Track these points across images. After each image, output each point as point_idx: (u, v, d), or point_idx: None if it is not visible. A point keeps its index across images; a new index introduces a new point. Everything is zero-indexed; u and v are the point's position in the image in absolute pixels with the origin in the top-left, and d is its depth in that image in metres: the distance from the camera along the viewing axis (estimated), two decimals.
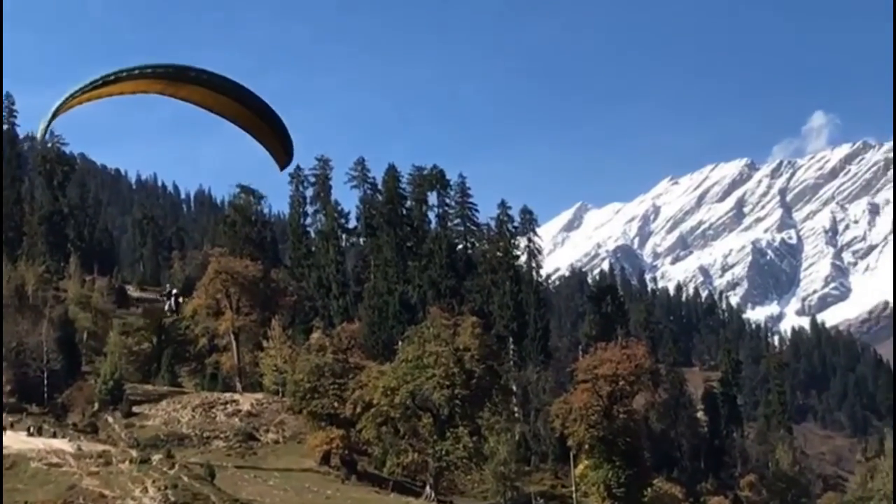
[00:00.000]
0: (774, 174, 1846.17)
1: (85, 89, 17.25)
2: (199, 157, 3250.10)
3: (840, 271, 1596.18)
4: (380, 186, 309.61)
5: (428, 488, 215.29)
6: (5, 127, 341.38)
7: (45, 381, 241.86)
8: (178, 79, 17.19)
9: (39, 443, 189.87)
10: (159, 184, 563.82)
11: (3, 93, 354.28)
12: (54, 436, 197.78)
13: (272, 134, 17.60)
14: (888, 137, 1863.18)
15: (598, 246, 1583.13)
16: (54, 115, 17.47)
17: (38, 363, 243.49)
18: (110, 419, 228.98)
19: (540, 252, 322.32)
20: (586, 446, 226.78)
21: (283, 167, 20.00)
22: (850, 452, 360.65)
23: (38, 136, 32.21)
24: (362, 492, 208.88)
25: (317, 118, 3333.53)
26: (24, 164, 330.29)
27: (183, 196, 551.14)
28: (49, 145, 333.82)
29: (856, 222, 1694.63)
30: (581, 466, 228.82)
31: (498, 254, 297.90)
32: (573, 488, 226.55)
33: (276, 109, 17.49)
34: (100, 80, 17.75)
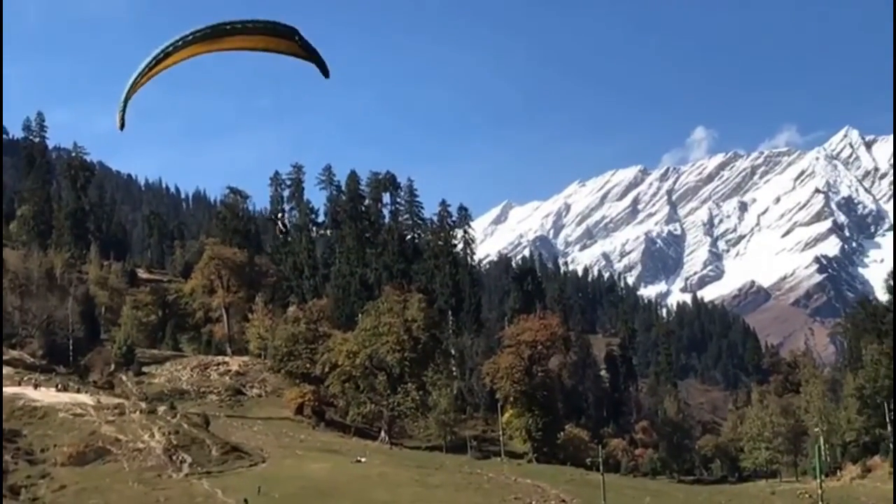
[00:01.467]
0: (663, 178, 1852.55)
1: (143, 72, 16.93)
2: (196, 163, 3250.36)
3: (715, 257, 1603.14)
4: (343, 188, 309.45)
5: (383, 433, 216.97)
6: (37, 140, 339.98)
7: (71, 347, 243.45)
8: (217, 35, 16.97)
9: (66, 397, 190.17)
10: (163, 186, 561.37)
11: (35, 112, 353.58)
12: (78, 391, 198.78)
13: (306, 54, 17.41)
14: (754, 148, 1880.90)
15: (521, 236, 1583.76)
16: (125, 104, 16.81)
17: (64, 332, 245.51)
18: (124, 377, 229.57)
19: (473, 241, 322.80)
20: (511, 399, 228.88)
21: (327, 75, 18.77)
22: (723, 403, 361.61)
23: (118, 125, 26.79)
24: (329, 436, 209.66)
25: (292, 131, 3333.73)
26: (53, 171, 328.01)
27: (183, 196, 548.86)
28: (73, 154, 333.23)
29: (728, 217, 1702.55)
30: (507, 415, 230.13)
31: (439, 243, 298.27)
32: (500, 433, 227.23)
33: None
34: (152, 61, 17.32)
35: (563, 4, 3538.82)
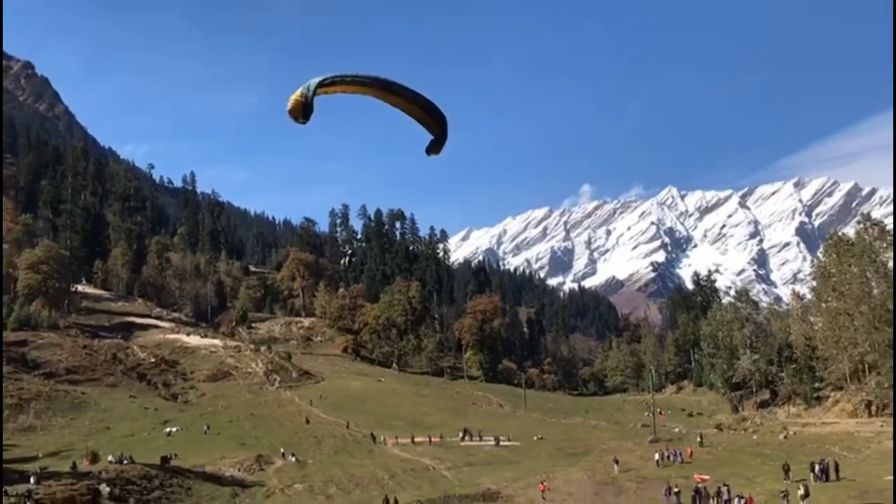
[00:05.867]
0: (562, 215, 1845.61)
1: (326, 83, 12.68)
2: (287, 201, 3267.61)
3: (592, 261, 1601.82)
4: (372, 218, 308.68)
5: (394, 364, 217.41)
6: (190, 188, 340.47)
7: (209, 311, 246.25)
8: (390, 91, 13.07)
9: (206, 341, 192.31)
10: (266, 216, 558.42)
11: (189, 171, 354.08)
12: (213, 338, 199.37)
13: (439, 135, 13.68)
14: (616, 197, 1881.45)
15: (478, 248, 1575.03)
16: (310, 107, 12.30)
17: (205, 302, 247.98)
18: (241, 330, 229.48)
19: (449, 251, 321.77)
20: (470, 344, 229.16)
21: (430, 154, 14.20)
22: (596, 348, 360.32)
23: (299, 118, 17.48)
24: (362, 366, 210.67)
25: (344, 183, 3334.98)
26: (199, 206, 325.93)
27: (277, 222, 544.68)
28: (212, 196, 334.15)
29: (600, 238, 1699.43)
30: (468, 354, 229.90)
31: (429, 252, 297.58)
32: (464, 364, 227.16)
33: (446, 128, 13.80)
34: (338, 77, 12.89)
35: (506, 106, 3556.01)
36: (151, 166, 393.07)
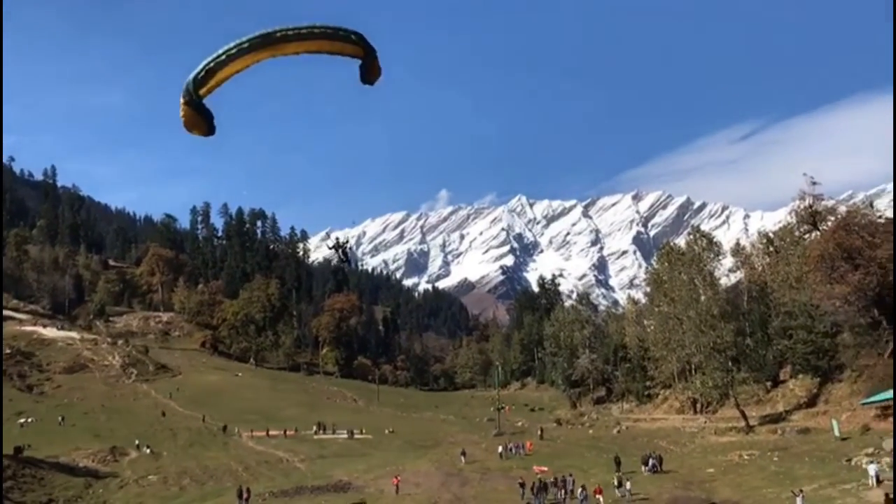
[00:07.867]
0: (419, 218, 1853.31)
1: (201, 78, 10.29)
2: (147, 197, 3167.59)
3: (446, 264, 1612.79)
4: (234, 216, 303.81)
5: (252, 359, 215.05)
6: (51, 181, 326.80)
7: (67, 304, 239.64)
8: (278, 42, 10.55)
9: (63, 334, 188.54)
10: (126, 211, 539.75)
11: (50, 164, 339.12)
12: (70, 330, 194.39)
13: (364, 56, 11.39)
14: (470, 203, 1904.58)
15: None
16: (205, 112, 10.25)
17: (63, 295, 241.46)
18: (98, 323, 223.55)
19: (309, 250, 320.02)
20: (327, 340, 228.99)
21: (372, 82, 11.74)
22: (447, 346, 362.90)
23: (204, 131, 10.22)
24: (220, 361, 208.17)
25: (206, 181, 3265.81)
26: (60, 200, 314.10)
27: (137, 217, 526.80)
28: (72, 190, 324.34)
29: (454, 242, 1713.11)
30: (324, 350, 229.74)
31: (289, 251, 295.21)
32: (320, 360, 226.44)
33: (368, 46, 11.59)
34: (212, 62, 10.40)
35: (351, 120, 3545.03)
36: (12, 159, 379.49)
